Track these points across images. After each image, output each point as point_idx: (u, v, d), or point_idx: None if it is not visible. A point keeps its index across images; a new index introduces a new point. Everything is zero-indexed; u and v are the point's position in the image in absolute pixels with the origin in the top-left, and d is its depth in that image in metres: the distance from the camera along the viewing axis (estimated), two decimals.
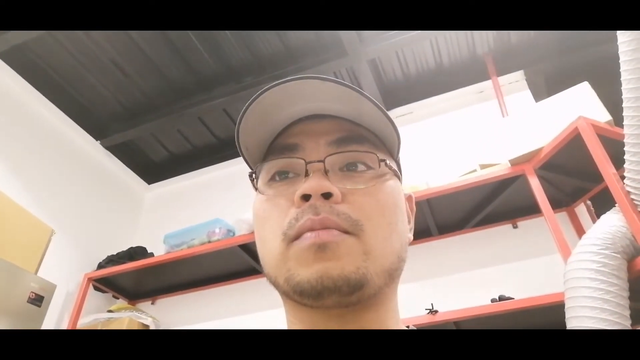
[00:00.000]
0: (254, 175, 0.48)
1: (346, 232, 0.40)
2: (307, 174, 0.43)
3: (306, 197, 0.41)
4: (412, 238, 0.47)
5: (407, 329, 0.46)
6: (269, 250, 0.43)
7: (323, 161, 0.43)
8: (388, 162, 0.46)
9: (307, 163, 0.43)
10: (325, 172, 0.43)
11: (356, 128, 0.47)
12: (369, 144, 0.46)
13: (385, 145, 0.49)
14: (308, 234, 0.39)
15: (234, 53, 2.45)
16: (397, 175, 0.48)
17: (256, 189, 0.48)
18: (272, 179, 0.46)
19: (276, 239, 0.42)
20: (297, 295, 0.39)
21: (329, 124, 0.47)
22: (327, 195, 0.41)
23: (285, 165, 0.46)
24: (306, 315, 0.42)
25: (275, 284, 0.42)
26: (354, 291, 0.38)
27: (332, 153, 0.44)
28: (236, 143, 0.48)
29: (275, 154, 0.47)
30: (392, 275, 0.42)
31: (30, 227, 1.99)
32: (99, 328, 2.25)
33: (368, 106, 0.45)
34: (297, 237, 0.40)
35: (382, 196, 0.44)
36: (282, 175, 0.46)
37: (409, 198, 0.51)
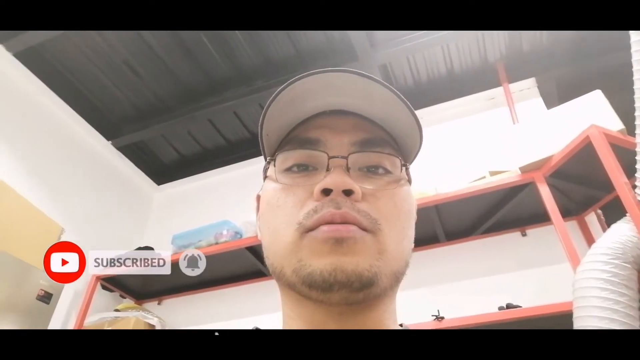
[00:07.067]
0: (273, 162, 0.47)
1: (364, 229, 0.40)
2: (328, 169, 0.43)
3: (327, 192, 0.41)
4: (413, 245, 0.47)
5: (403, 329, 0.46)
6: (278, 239, 0.42)
7: (346, 158, 0.43)
8: (407, 167, 0.47)
9: (329, 157, 0.43)
10: (347, 169, 0.43)
11: (379, 130, 0.47)
12: (389, 148, 0.46)
13: (403, 150, 0.49)
14: (325, 227, 0.39)
15: (245, 56, 2.47)
16: (411, 181, 0.49)
17: (266, 176, 0.48)
18: (289, 169, 0.46)
19: (289, 227, 0.41)
20: (305, 286, 0.39)
21: (353, 122, 0.47)
22: (348, 193, 0.41)
23: (306, 157, 0.45)
24: (306, 311, 0.42)
25: (279, 275, 0.42)
26: (363, 288, 0.38)
27: (355, 151, 0.44)
28: (259, 128, 0.48)
29: (295, 144, 0.46)
30: (398, 279, 0.42)
31: (41, 225, 2.02)
32: (105, 327, 2.27)
33: (399, 108, 0.45)
34: (313, 228, 0.40)
35: (399, 200, 0.44)
36: (301, 167, 0.45)
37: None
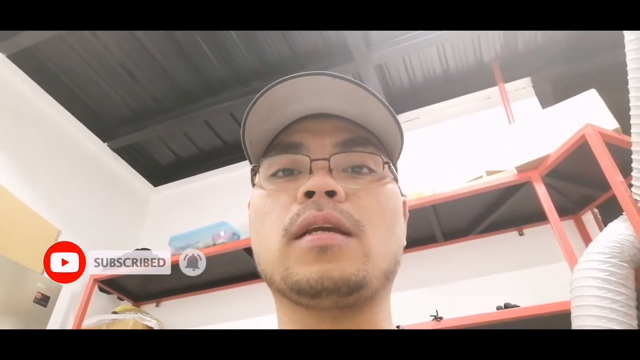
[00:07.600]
0: (257, 169, 0.48)
1: (348, 232, 0.40)
2: (311, 172, 0.43)
3: (309, 194, 0.41)
4: (405, 243, 0.47)
5: (400, 329, 0.46)
6: (267, 246, 0.42)
7: (328, 159, 0.43)
8: (391, 165, 0.47)
9: (311, 160, 0.43)
10: (330, 171, 0.43)
11: (360, 130, 0.47)
12: (372, 147, 0.47)
13: (386, 149, 0.49)
14: (309, 237, 0.39)
15: (241, 57, 2.46)
16: (396, 179, 0.49)
17: (254, 184, 0.48)
18: (274, 175, 0.46)
19: (276, 234, 0.41)
20: (293, 293, 0.39)
21: (334, 124, 0.47)
22: (331, 194, 0.41)
23: (289, 162, 0.46)
24: (299, 315, 0.42)
25: (270, 281, 0.42)
26: (352, 292, 0.38)
27: (337, 152, 0.44)
28: (241, 136, 0.48)
29: (278, 150, 0.47)
30: (388, 278, 0.42)
31: (37, 228, 2.01)
32: (103, 329, 2.26)
33: (377, 108, 0.45)
34: (299, 233, 0.40)
35: (383, 198, 0.44)
36: (285, 172, 0.45)
37: (403, 203, 0.51)
